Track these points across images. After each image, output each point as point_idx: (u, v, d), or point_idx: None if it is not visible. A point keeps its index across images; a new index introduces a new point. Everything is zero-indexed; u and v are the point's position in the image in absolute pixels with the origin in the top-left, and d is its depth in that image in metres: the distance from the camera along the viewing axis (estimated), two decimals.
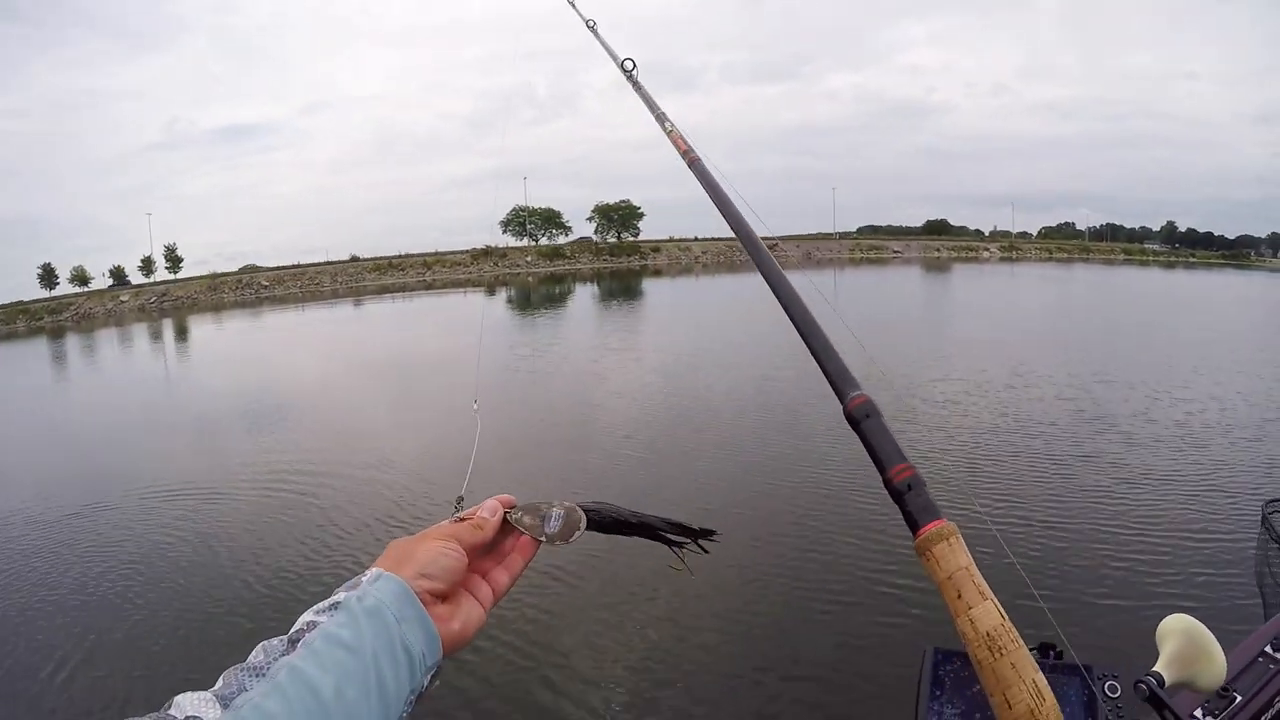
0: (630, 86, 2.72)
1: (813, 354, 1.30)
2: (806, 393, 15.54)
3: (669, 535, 1.17)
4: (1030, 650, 1.69)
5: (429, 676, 0.90)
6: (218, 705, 0.72)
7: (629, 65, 2.76)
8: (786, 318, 1.38)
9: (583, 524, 1.12)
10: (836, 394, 1.22)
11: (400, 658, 0.85)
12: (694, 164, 2.07)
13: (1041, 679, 0.98)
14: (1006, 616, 1.01)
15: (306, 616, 0.85)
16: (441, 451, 12.69)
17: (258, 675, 0.77)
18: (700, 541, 1.19)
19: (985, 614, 1.00)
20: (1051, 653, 1.71)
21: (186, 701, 0.72)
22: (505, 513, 1.10)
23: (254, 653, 0.81)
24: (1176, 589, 6.72)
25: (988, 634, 0.99)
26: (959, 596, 1.02)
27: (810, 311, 1.36)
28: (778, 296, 1.42)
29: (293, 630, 0.84)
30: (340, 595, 0.87)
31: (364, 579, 0.90)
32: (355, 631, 0.82)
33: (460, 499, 1.13)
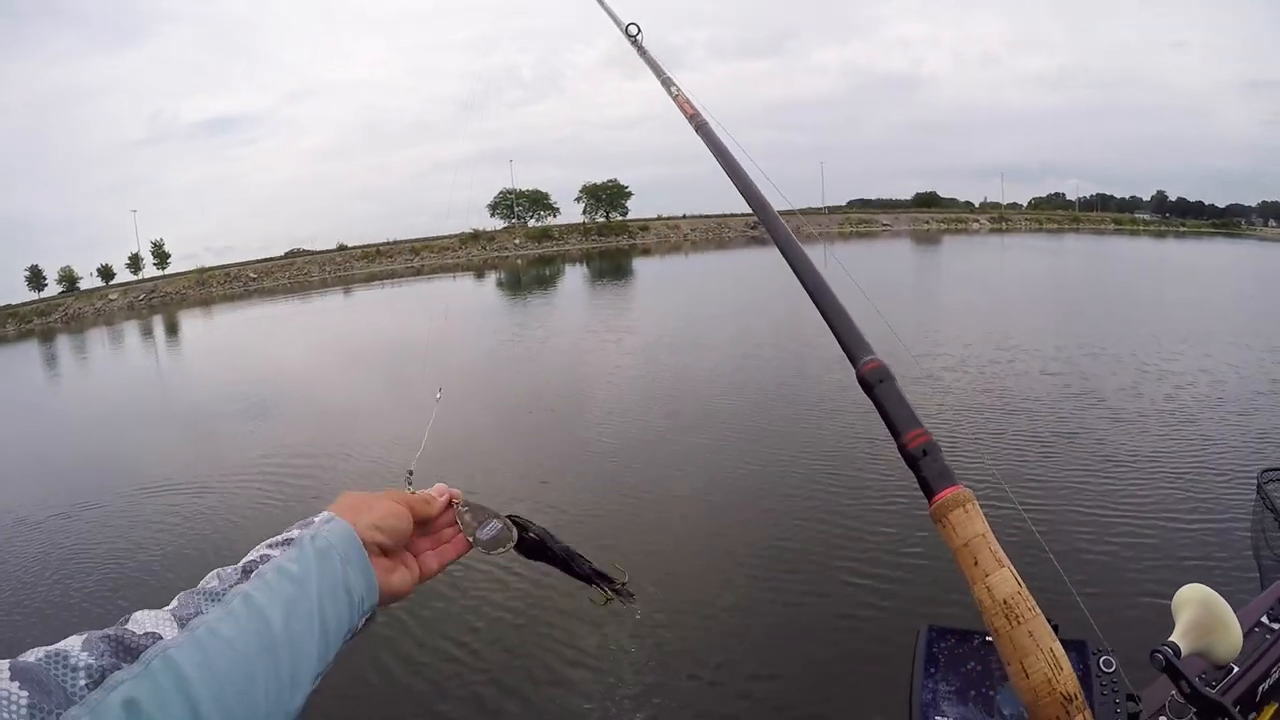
0: (635, 51, 2.73)
1: (825, 318, 1.29)
2: (788, 372, 15.76)
3: (591, 579, 1.20)
4: None
5: (364, 619, 0.95)
6: (175, 624, 0.74)
7: (634, 30, 2.77)
8: (799, 284, 1.35)
9: (509, 544, 1.17)
10: (850, 358, 1.21)
11: (342, 597, 0.90)
12: (701, 128, 2.07)
13: (1059, 648, 0.97)
14: (1023, 584, 1.00)
15: (260, 549, 0.89)
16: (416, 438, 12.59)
17: (213, 600, 0.79)
18: (618, 594, 1.21)
19: (1002, 581, 0.99)
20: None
21: (145, 618, 0.74)
22: (453, 502, 1.16)
23: (208, 578, 0.84)
24: (1171, 561, 6.75)
25: (1004, 601, 0.99)
26: (975, 563, 1.01)
27: (823, 276, 1.34)
28: (789, 262, 1.41)
29: (246, 560, 0.87)
30: (294, 532, 0.92)
31: (316, 519, 0.96)
32: (304, 567, 0.87)
33: (410, 473, 1.21)
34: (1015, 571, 1.00)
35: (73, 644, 0.66)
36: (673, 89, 2.35)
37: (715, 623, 6.49)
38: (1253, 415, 11.19)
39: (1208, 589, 1.49)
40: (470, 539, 1.15)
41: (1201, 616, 1.45)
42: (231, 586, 0.81)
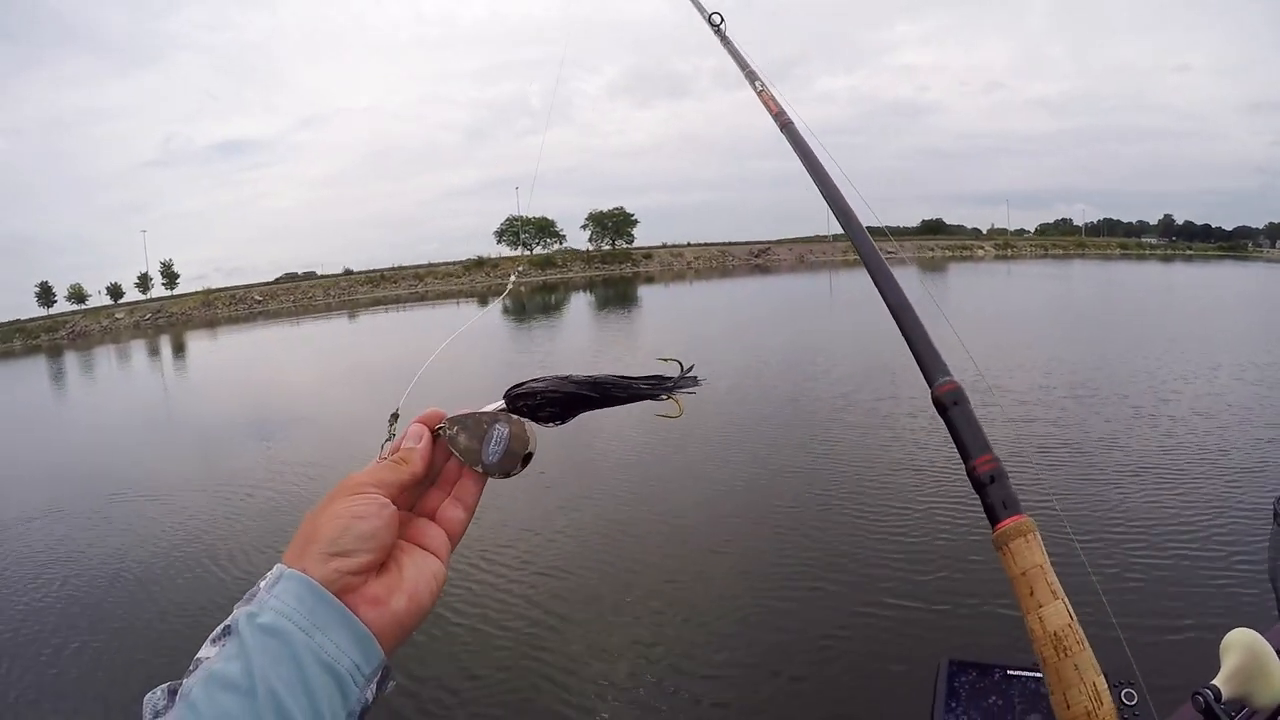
0: (719, 42, 2.51)
1: (905, 337, 1.30)
2: (809, 398, 15.63)
3: (649, 392, 0.94)
4: None
5: (373, 686, 0.73)
6: None
7: (716, 19, 2.54)
8: (880, 298, 1.37)
9: (530, 447, 0.89)
10: (926, 378, 1.21)
11: (318, 681, 0.67)
12: (786, 127, 1.93)
13: (1102, 682, 0.99)
14: (1075, 617, 1.02)
15: (201, 650, 0.68)
16: None
17: None
18: (680, 386, 0.96)
19: (1055, 614, 1.02)
20: None
21: None
22: (438, 429, 0.88)
23: (144, 706, 0.66)
24: (1190, 588, 6.71)
25: (1055, 634, 1.01)
26: (1031, 593, 1.03)
27: (905, 294, 1.36)
28: (873, 277, 1.42)
29: (186, 674, 0.67)
30: (234, 614, 0.70)
31: (261, 584, 0.71)
32: (245, 664, 0.65)
33: (394, 417, 0.94)
34: (1069, 604, 1.03)
35: None
36: (757, 84, 2.21)
37: (726, 652, 6.43)
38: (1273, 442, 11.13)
39: (1255, 635, 1.49)
40: (478, 468, 0.88)
41: (1246, 663, 1.47)
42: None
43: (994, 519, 1.09)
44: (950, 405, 1.18)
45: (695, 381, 0.96)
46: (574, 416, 0.93)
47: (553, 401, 0.91)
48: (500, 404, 0.92)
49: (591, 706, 5.80)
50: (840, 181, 1.67)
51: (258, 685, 0.63)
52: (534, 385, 0.92)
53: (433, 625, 6.83)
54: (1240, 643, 1.51)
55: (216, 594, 8.14)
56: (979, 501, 1.10)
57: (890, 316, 1.34)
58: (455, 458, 0.88)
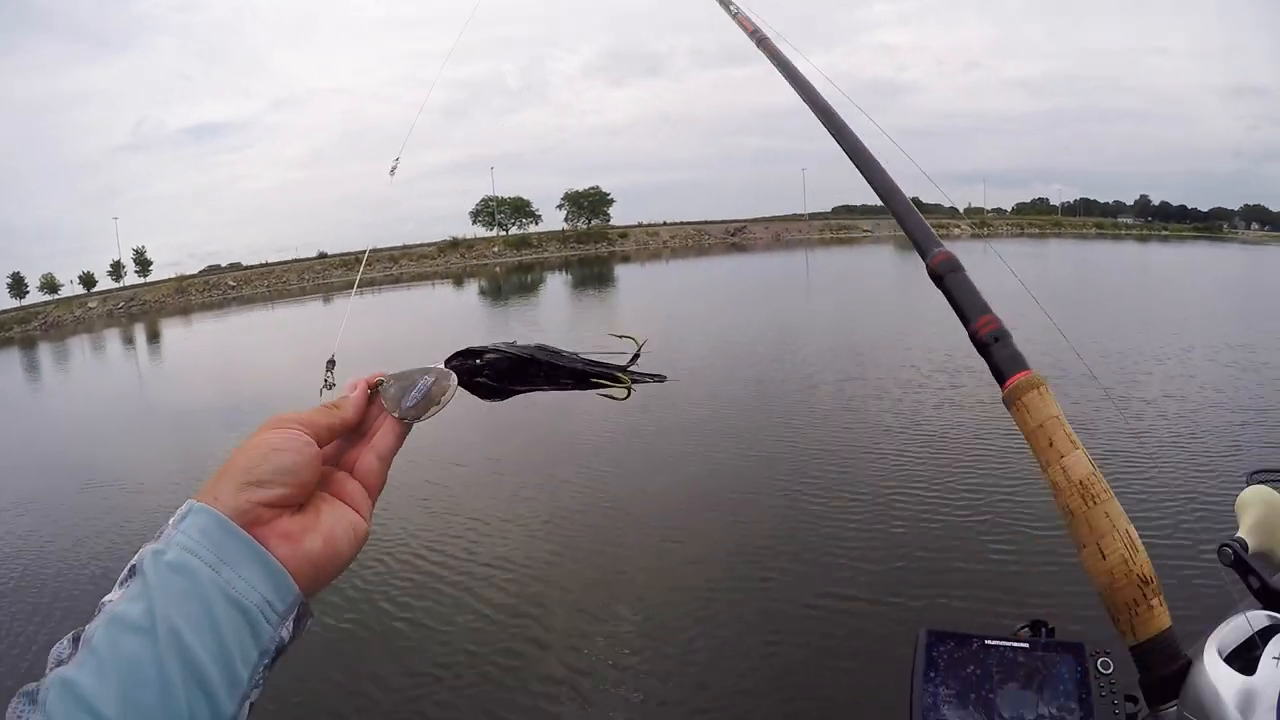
0: None
1: (896, 216, 1.30)
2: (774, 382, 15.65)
3: (598, 375, 0.92)
4: (1021, 629, 1.70)
5: (289, 624, 0.69)
6: None
7: None
8: (867, 185, 1.36)
9: (447, 396, 0.87)
10: (920, 251, 1.22)
11: (225, 618, 0.63)
12: (762, 42, 2.04)
13: (1134, 531, 0.98)
14: (1097, 467, 1.00)
15: (109, 595, 0.64)
16: None
17: (31, 701, 0.58)
18: (628, 371, 0.93)
19: (1077, 462, 1.00)
20: (1043, 630, 1.70)
21: None
22: (376, 383, 0.87)
23: (51, 653, 0.62)
24: (1157, 561, 6.71)
25: (1080, 482, 1.00)
26: (1050, 445, 1.02)
27: (890, 176, 1.34)
28: (855, 161, 1.41)
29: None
30: (139, 553, 0.65)
31: (170, 521, 0.67)
32: (148, 605, 0.61)
33: (331, 363, 0.96)
34: (1089, 455, 1.00)
35: None
36: (731, 6, 2.29)
37: (701, 631, 6.44)
38: (1245, 415, 11.30)
39: (1270, 490, 1.48)
40: (396, 414, 0.85)
41: (1267, 516, 1.44)
42: (50, 673, 0.60)
43: (1002, 377, 1.08)
44: (947, 273, 1.19)
45: (658, 378, 0.95)
46: (514, 394, 0.92)
47: (493, 365, 0.90)
48: (439, 364, 0.90)
49: (552, 693, 5.80)
50: (820, 85, 1.68)
51: (159, 624, 0.60)
52: (475, 347, 0.90)
53: (372, 619, 6.84)
54: (1257, 498, 1.48)
55: None
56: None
57: (878, 198, 1.33)
58: (384, 412, 0.86)
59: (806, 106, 1.67)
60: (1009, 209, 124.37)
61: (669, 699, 5.63)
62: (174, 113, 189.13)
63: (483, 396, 0.91)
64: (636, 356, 0.93)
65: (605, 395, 0.92)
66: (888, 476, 9.35)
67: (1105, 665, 1.59)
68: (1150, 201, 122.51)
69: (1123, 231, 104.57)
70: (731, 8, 2.29)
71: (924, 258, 1.20)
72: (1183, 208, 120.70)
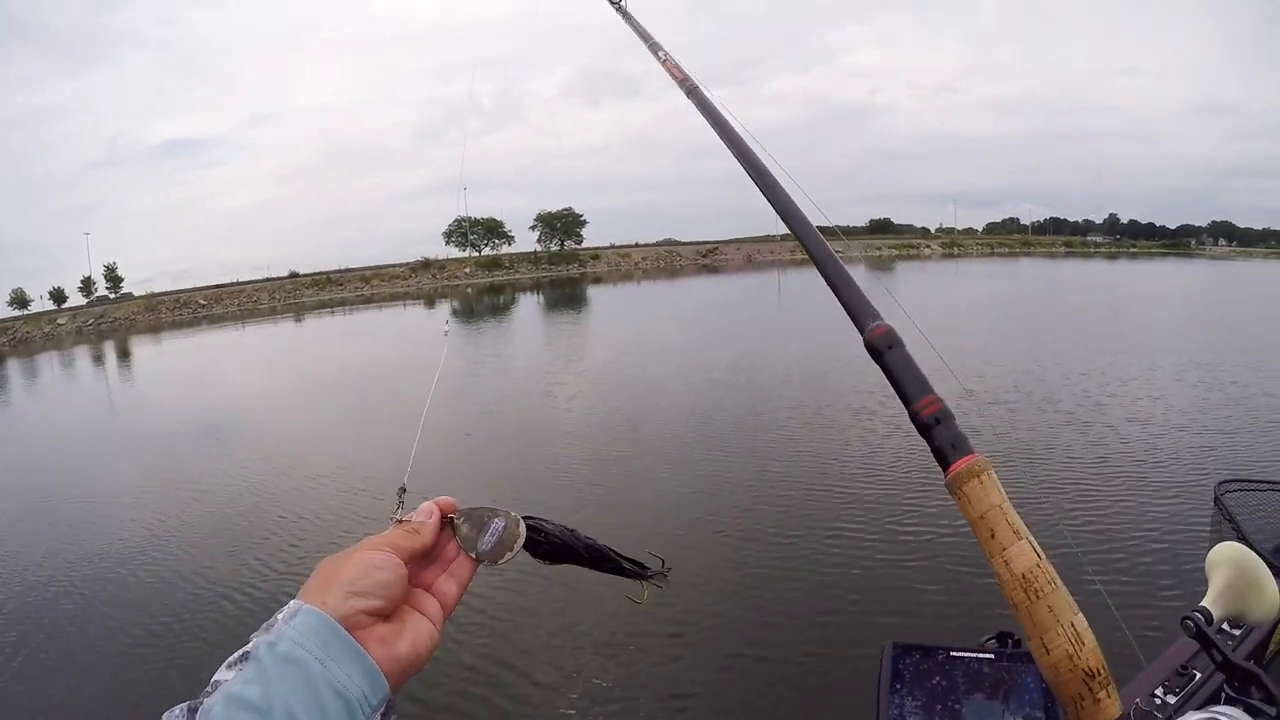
0: (621, 19, 2.63)
1: (830, 286, 1.24)
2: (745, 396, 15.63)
3: (626, 570, 1.04)
4: (987, 640, 1.68)
5: (378, 716, 0.77)
6: None
7: None
8: (804, 250, 1.30)
9: (517, 545, 0.97)
10: (856, 325, 1.16)
11: (332, 706, 0.71)
12: (692, 92, 1.98)
13: (1081, 621, 0.95)
14: (1044, 556, 0.96)
15: (217, 674, 0.72)
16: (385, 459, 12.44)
17: None
18: (653, 578, 1.05)
19: (1020, 554, 0.96)
20: (1010, 640, 1.69)
21: None
22: (448, 517, 0.96)
23: None
24: (1128, 572, 6.81)
25: (1023, 575, 0.96)
26: (992, 536, 0.98)
27: (826, 243, 1.29)
28: (791, 228, 1.36)
29: (204, 693, 0.71)
30: (252, 642, 0.74)
31: (279, 615, 0.76)
32: (264, 689, 0.69)
33: (403, 490, 0.99)
34: (1035, 544, 0.96)
35: None
36: (660, 54, 2.28)
37: (672, 643, 6.44)
38: (1211, 429, 11.41)
39: (1241, 548, 1.43)
40: (472, 554, 0.95)
41: (1235, 579, 1.40)
42: None
43: (945, 462, 1.03)
44: (885, 350, 1.13)
45: (665, 578, 1.05)
46: (558, 564, 1.01)
47: (551, 541, 0.99)
48: (506, 510, 0.99)
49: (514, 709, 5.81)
50: (750, 140, 1.65)
51: (275, 706, 0.67)
52: (546, 525, 1.00)
53: None
54: (1226, 558, 1.44)
55: (139, 607, 8.08)
56: (926, 453, 1.04)
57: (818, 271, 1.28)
58: (455, 543, 0.96)
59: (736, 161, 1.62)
60: (980, 229, 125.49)
61: (635, 716, 5.61)
62: (150, 128, 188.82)
63: (534, 556, 0.99)
64: (659, 573, 1.05)
65: (629, 597, 1.04)
66: (853, 490, 9.44)
67: None
68: (1119, 220, 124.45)
69: (1092, 250, 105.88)
70: (661, 54, 2.28)
71: (861, 331, 1.15)
72: (1151, 225, 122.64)
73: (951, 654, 1.62)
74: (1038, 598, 0.93)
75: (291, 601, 0.77)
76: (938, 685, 1.60)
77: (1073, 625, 0.93)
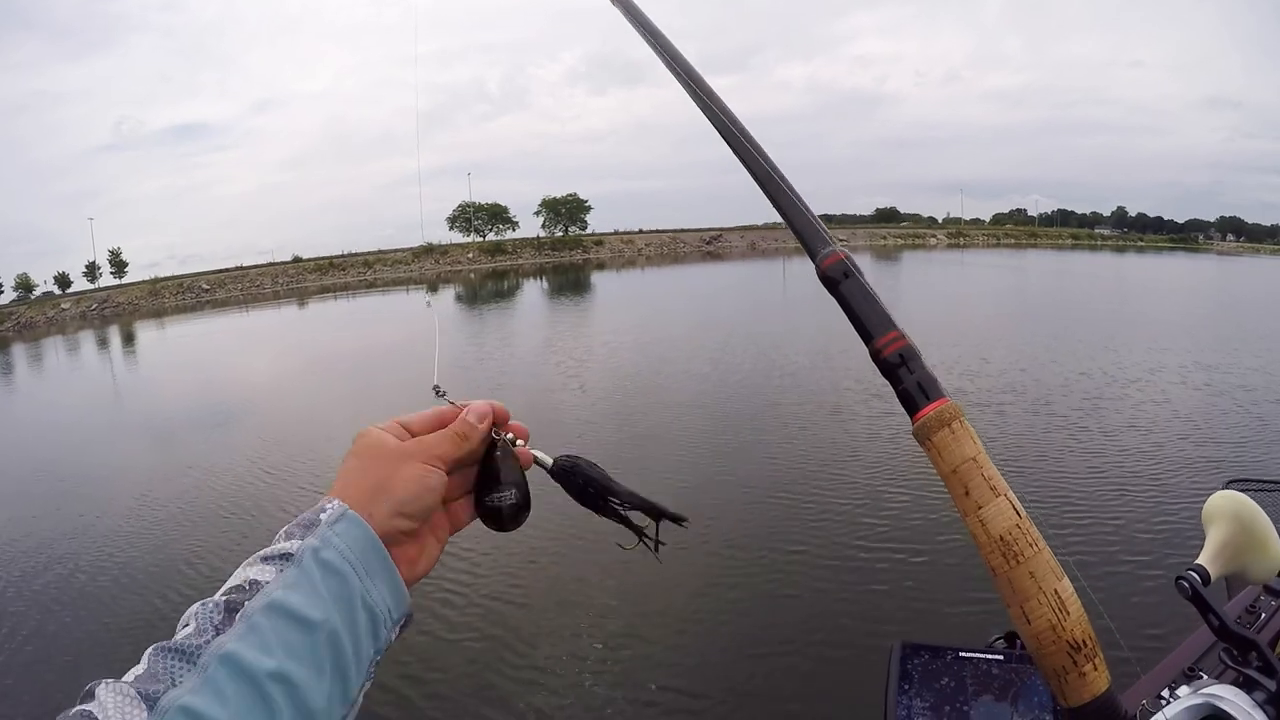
0: None
1: (779, 210, 1.12)
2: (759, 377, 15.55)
3: (640, 511, 0.92)
4: (996, 640, 1.59)
5: (396, 630, 0.76)
6: (142, 706, 0.56)
7: None
8: (747, 175, 1.18)
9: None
10: (809, 253, 1.03)
11: (362, 621, 0.70)
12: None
13: (1066, 587, 0.85)
14: (1025, 515, 0.85)
15: (249, 571, 0.68)
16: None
17: (188, 663, 0.60)
18: (662, 524, 0.93)
19: (997, 513, 0.86)
20: (1018, 642, 1.62)
21: (109, 700, 0.56)
22: (496, 431, 0.88)
23: (184, 622, 0.65)
24: (1136, 568, 6.70)
25: (1000, 537, 0.85)
26: (966, 494, 0.87)
27: (776, 165, 1.16)
28: (731, 146, 1.21)
29: (230, 587, 0.67)
30: (293, 544, 0.70)
31: (322, 516, 0.73)
32: (309, 597, 0.67)
33: (437, 389, 0.91)
34: (1016, 501, 0.85)
35: None
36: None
37: (673, 646, 6.34)
38: (1219, 430, 11.23)
39: (1241, 497, 1.30)
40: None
41: (1234, 532, 1.28)
42: (209, 640, 0.62)
43: (911, 408, 0.92)
44: (840, 278, 1.00)
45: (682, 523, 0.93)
46: (584, 500, 0.92)
47: (581, 474, 0.91)
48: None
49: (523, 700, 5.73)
50: (687, 54, 1.49)
51: (320, 620, 0.67)
52: (580, 464, 0.91)
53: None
54: (1224, 509, 1.30)
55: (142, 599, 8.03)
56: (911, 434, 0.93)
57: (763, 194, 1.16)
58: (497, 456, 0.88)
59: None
60: (987, 220, 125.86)
61: (640, 716, 5.52)
62: (154, 113, 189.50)
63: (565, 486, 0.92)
64: (678, 518, 0.93)
65: (620, 544, 0.94)
66: (860, 487, 9.28)
67: None
68: (1127, 213, 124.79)
69: (1099, 243, 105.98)
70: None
71: (813, 258, 1.02)
72: (1159, 219, 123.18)
73: (960, 654, 1.60)
74: (1018, 562, 0.84)
75: (333, 501, 0.75)
76: (946, 686, 1.57)
77: (1056, 593, 0.83)
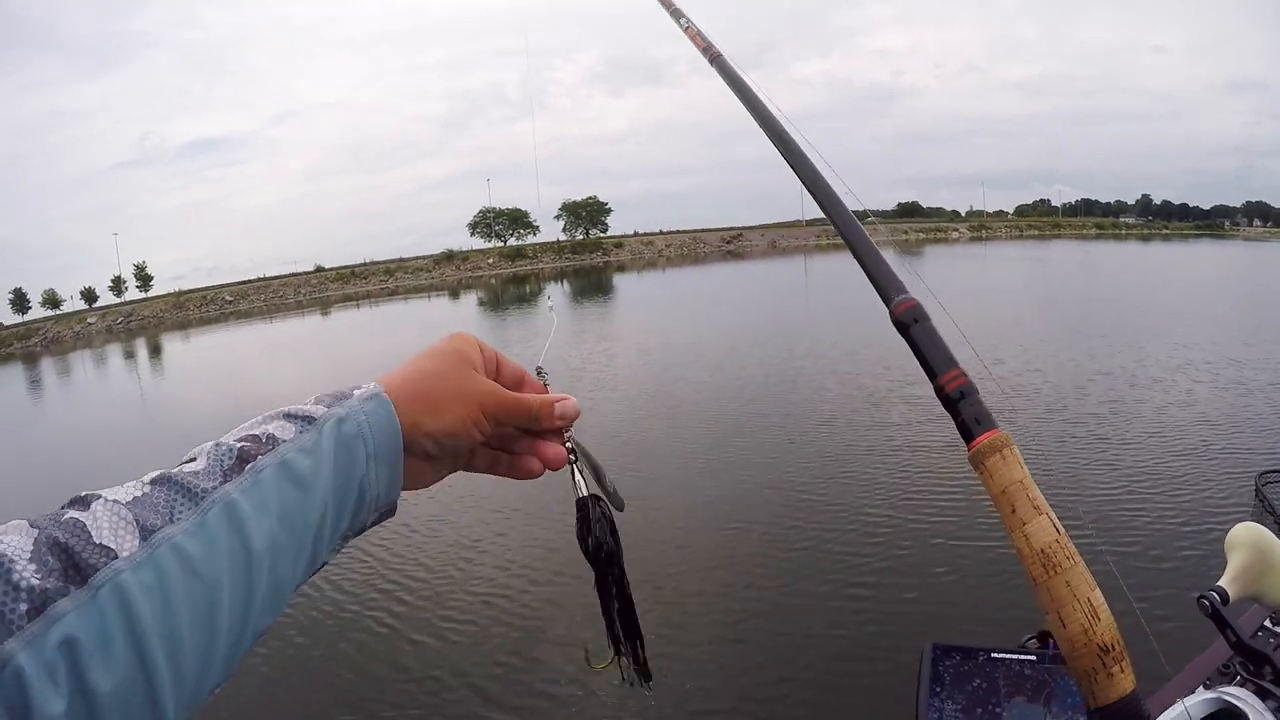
0: None
1: (856, 258, 1.25)
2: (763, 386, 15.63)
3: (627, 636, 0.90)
4: (1029, 640, 1.66)
5: (376, 514, 0.76)
6: (136, 533, 0.57)
7: None
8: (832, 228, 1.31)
9: (614, 510, 0.88)
10: (882, 298, 1.17)
11: (352, 496, 0.71)
12: (716, 60, 1.92)
13: (1098, 596, 0.95)
14: (1063, 531, 0.97)
15: (270, 426, 0.70)
16: None
17: (191, 501, 0.61)
18: (632, 668, 0.91)
19: (1040, 529, 0.97)
20: (1051, 642, 1.68)
21: (104, 519, 0.57)
22: (569, 439, 0.88)
23: (196, 455, 0.67)
24: (1170, 563, 6.68)
25: (1042, 550, 0.96)
26: (1013, 511, 0.98)
27: (854, 217, 1.30)
28: (818, 201, 1.36)
29: (246, 435, 0.68)
30: (319, 409, 0.72)
31: (356, 392, 0.75)
32: (316, 464, 0.68)
33: (540, 369, 0.93)
34: (1055, 519, 0.97)
35: (19, 549, 0.53)
36: (682, 20, 2.21)
37: (703, 644, 6.37)
38: (1252, 421, 11.08)
39: (1260, 529, 1.42)
40: (604, 488, 0.88)
41: (1253, 560, 1.40)
42: (217, 486, 0.63)
43: (968, 436, 1.04)
44: (911, 324, 1.12)
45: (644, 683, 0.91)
46: (597, 566, 0.89)
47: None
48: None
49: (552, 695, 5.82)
50: (775, 110, 1.62)
51: (319, 485, 0.68)
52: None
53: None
54: (1245, 539, 1.43)
55: None
56: (953, 431, 1.05)
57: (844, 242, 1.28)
58: (533, 443, 0.88)
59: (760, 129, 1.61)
60: (1010, 211, 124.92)
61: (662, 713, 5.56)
62: (176, 128, 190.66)
63: (584, 539, 0.87)
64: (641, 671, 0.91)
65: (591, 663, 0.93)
66: (891, 486, 9.26)
67: None
68: (1152, 201, 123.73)
69: (1124, 231, 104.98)
70: (683, 21, 2.22)
71: (886, 304, 1.15)
72: (1185, 206, 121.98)
73: (993, 655, 1.66)
74: (1056, 573, 0.94)
75: (377, 386, 0.76)
76: (978, 688, 1.63)
77: (1089, 600, 0.93)
